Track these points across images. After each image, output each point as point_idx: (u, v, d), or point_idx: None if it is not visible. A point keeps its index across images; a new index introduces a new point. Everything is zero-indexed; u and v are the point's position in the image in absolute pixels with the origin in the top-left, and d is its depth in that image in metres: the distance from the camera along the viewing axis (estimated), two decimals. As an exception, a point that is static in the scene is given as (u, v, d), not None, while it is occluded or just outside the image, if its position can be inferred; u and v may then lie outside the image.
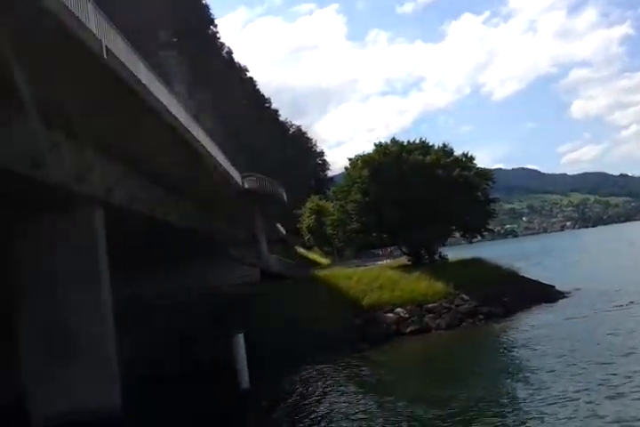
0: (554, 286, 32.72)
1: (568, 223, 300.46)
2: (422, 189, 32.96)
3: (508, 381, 15.66)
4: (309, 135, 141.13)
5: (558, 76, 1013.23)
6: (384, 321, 25.82)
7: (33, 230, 16.32)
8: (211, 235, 28.76)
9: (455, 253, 42.24)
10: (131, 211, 20.14)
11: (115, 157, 17.41)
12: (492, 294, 28.32)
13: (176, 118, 17.18)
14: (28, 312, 16.24)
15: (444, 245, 41.04)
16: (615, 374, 14.06)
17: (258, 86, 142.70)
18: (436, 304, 27.15)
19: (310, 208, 65.11)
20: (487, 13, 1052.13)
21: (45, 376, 15.77)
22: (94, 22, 11.24)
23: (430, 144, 36.50)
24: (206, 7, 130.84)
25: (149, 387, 19.59)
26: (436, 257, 37.14)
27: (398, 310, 26.49)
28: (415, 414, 13.29)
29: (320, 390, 17.87)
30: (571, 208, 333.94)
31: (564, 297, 30.79)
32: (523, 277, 33.86)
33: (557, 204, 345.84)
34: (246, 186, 29.79)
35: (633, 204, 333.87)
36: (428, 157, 34.03)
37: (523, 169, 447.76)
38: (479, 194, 35.63)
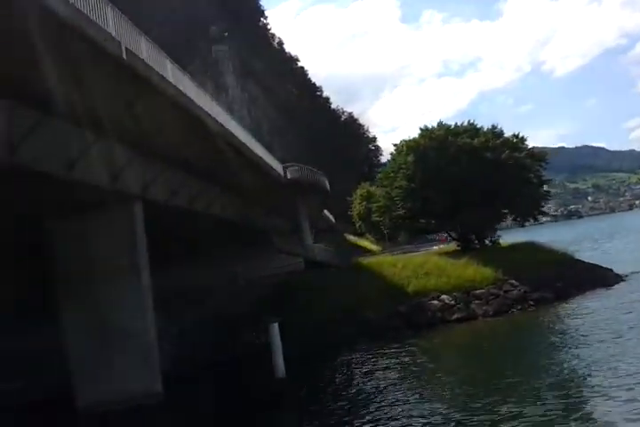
0: (612, 270, 31.30)
1: (637, 202, 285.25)
2: (470, 173, 32.11)
3: (559, 369, 14.86)
4: (361, 122, 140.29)
5: (626, 48, 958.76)
6: (429, 308, 25.49)
7: (74, 227, 17.10)
8: (254, 225, 29.14)
9: (512, 237, 41.16)
10: (170, 205, 20.69)
11: (150, 154, 17.83)
12: (544, 279, 27.44)
13: (208, 114, 17.40)
14: (71, 305, 17.09)
15: (499, 230, 39.91)
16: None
17: (309, 75, 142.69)
18: (483, 291, 26.54)
19: (361, 195, 64.82)
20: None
21: (89, 365, 16.60)
22: (113, 25, 11.49)
23: (479, 126, 35.46)
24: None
25: (192, 374, 20.27)
26: (487, 242, 36.23)
27: (444, 297, 26.06)
28: (457, 404, 12.99)
29: (359, 377, 17.92)
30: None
31: (622, 281, 29.44)
32: (578, 260, 32.64)
33: (625, 182, 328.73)
34: (289, 176, 29.94)
35: None
36: (476, 140, 33.09)
37: (587, 147, 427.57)
38: (531, 176, 34.34)
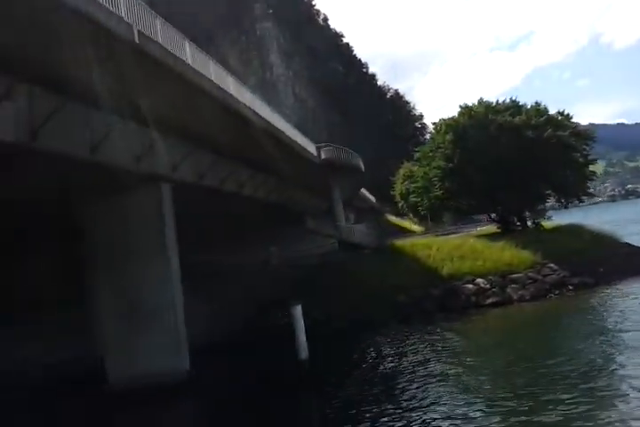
0: (661, 254, 29.78)
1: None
2: (511, 153, 31.07)
3: (592, 354, 14.25)
4: (408, 99, 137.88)
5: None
6: (462, 292, 24.97)
7: (104, 209, 17.48)
8: (288, 206, 29.16)
9: (562, 218, 39.81)
10: (201, 186, 20.87)
11: (176, 135, 17.93)
12: (585, 263, 26.39)
13: (232, 96, 17.28)
14: (101, 286, 17.59)
15: (551, 210, 38.59)
16: None
17: (354, 52, 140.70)
18: (520, 275, 25.78)
19: (403, 174, 63.83)
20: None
21: (119, 343, 17.14)
22: (124, 8, 11.43)
23: (521, 104, 34.11)
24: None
25: (220, 353, 20.64)
26: (529, 224, 35.16)
27: (479, 280, 25.47)
28: (483, 388, 12.74)
29: (384, 360, 17.76)
30: None
31: (672, 265, 27.95)
32: (626, 244, 31.22)
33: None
34: (322, 156, 29.65)
35: None
36: (518, 118, 31.84)
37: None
38: (577, 155, 32.89)
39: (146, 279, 17.48)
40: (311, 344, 20.03)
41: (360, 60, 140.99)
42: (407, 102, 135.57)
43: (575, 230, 32.84)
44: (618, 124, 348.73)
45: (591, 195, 38.17)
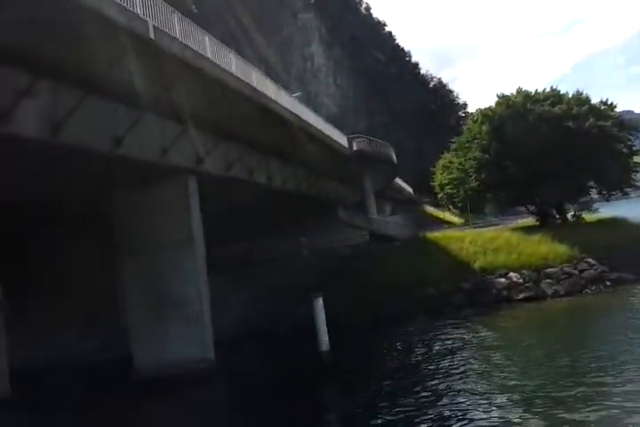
0: None
1: None
2: (550, 143, 30.08)
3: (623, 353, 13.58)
4: (452, 87, 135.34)
5: None
6: (494, 286, 24.45)
7: (133, 200, 17.90)
8: (319, 197, 29.15)
9: (607, 211, 38.45)
10: (228, 177, 21.08)
11: (202, 127, 18.10)
12: (626, 258, 25.38)
13: (252, 87, 17.33)
14: (129, 275, 18.05)
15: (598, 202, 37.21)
16: None
17: (397, 41, 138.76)
18: (556, 269, 25.04)
19: (443, 165, 62.64)
20: None
21: (145, 330, 17.57)
22: (140, 5, 11.58)
23: (562, 92, 32.92)
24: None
25: (247, 342, 20.97)
26: (569, 216, 34.10)
27: (512, 274, 24.88)
28: (507, 385, 12.35)
29: (407, 353, 17.66)
30: None
31: None
32: (673, 238, 29.85)
33: None
34: (354, 147, 29.44)
35: None
36: (557, 108, 30.76)
37: None
38: (620, 145, 31.58)
39: (172, 270, 17.83)
40: (336, 336, 20.11)
41: (403, 49, 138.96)
42: (451, 91, 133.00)
43: (618, 224, 31.65)
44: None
45: (636, 187, 36.62)
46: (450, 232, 30.95)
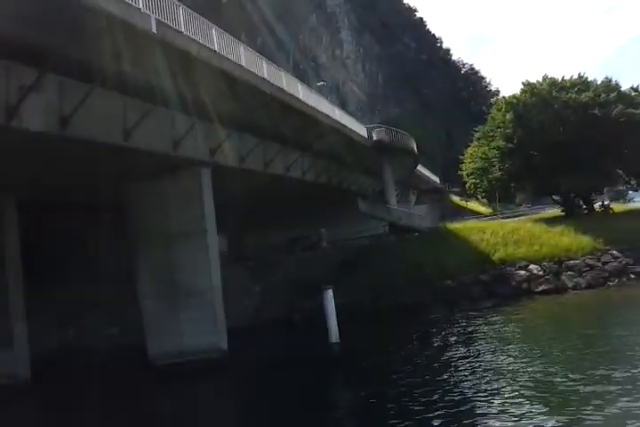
0: None
1: None
2: (576, 132, 29.31)
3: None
4: (484, 74, 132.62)
5: None
6: (513, 278, 24.09)
7: (145, 191, 18.17)
8: (339, 188, 29.09)
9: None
10: (243, 169, 21.18)
11: (215, 119, 18.15)
12: (654, 250, 24.76)
13: (260, 78, 17.29)
14: (145, 265, 18.37)
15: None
16: None
17: (428, 27, 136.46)
18: (578, 261, 24.52)
19: (471, 154, 61.63)
20: None
21: (159, 319, 17.91)
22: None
23: (590, 79, 31.92)
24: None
25: (263, 331, 21.21)
26: (597, 207, 33.24)
27: (532, 266, 24.45)
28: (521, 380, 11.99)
29: (422, 344, 17.61)
30: None
31: None
32: None
33: None
34: (374, 137, 29.19)
35: None
36: (584, 95, 29.86)
37: None
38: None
39: (185, 260, 18.08)
40: (350, 326, 20.20)
41: (434, 35, 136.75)
42: (482, 78, 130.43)
43: (649, 215, 30.72)
44: None
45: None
46: (471, 223, 30.53)
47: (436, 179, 57.29)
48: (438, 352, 15.89)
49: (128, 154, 15.47)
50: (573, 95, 29.79)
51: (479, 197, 67.25)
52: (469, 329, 18.58)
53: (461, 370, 13.33)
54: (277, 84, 18.00)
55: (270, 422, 11.58)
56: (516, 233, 27.28)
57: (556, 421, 9.37)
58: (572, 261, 24.53)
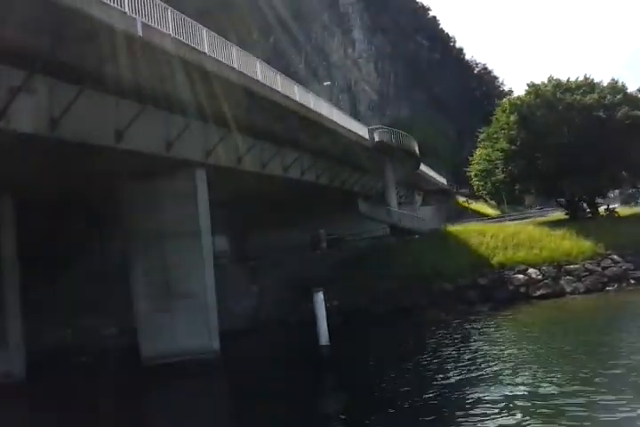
0: None
1: None
2: (580, 134, 29.03)
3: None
4: (497, 74, 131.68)
5: None
6: (511, 282, 23.97)
7: (140, 191, 18.25)
8: (339, 189, 29.05)
9: None
10: (239, 170, 21.22)
11: (209, 120, 18.20)
12: (655, 255, 24.49)
13: (254, 80, 17.32)
14: (139, 266, 18.49)
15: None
16: None
17: (441, 26, 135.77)
18: (577, 266, 24.36)
19: (480, 155, 61.22)
20: None
21: (152, 319, 18.00)
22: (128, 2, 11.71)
23: (596, 81, 31.61)
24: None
25: (259, 331, 21.28)
26: (602, 211, 32.91)
27: (531, 270, 24.30)
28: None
29: (415, 347, 17.48)
30: None
31: None
32: None
33: None
34: (376, 138, 29.10)
35: None
36: (589, 97, 29.55)
37: None
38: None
39: (179, 262, 18.11)
40: (344, 328, 20.25)
41: (447, 34, 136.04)
42: (496, 77, 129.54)
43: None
44: None
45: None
46: (473, 225, 30.36)
47: (442, 180, 56.96)
48: (424, 357, 15.74)
49: (121, 155, 15.58)
50: (578, 97, 29.51)
51: (487, 198, 67.04)
52: (459, 334, 18.46)
53: (449, 377, 13.15)
54: (272, 85, 17.99)
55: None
56: (516, 236, 27.12)
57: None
58: (571, 266, 24.37)
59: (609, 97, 29.58)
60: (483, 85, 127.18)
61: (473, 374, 12.95)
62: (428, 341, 18.21)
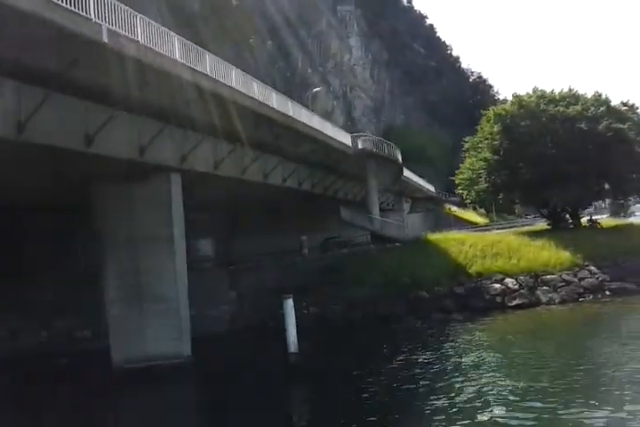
0: None
1: None
2: (563, 145, 29.24)
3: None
4: (492, 83, 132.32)
5: None
6: (488, 292, 23.99)
7: (113, 196, 18.26)
8: (322, 196, 29.13)
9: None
10: (217, 176, 21.27)
11: (184, 125, 18.32)
12: (633, 267, 24.64)
13: (233, 88, 17.42)
14: (110, 268, 18.49)
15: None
16: None
17: (438, 33, 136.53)
18: (554, 276, 24.45)
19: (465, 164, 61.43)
20: None
21: (124, 324, 17.99)
22: (93, 9, 11.77)
23: (580, 93, 31.85)
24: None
25: (236, 339, 21.30)
26: (584, 221, 33.06)
27: (508, 280, 24.36)
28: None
29: (378, 356, 17.52)
30: None
31: None
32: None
33: None
34: (359, 146, 29.23)
35: None
36: (572, 108, 29.76)
37: None
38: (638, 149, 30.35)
39: (151, 266, 18.16)
40: (317, 336, 20.23)
41: (444, 42, 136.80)
42: (491, 86, 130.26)
43: (634, 230, 30.51)
44: None
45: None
46: (453, 234, 30.43)
47: (430, 187, 57.12)
48: (392, 365, 15.83)
49: (91, 159, 15.62)
50: (561, 108, 29.71)
51: (476, 207, 67.22)
52: (430, 345, 18.43)
53: (412, 388, 13.22)
54: (248, 92, 18.07)
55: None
56: (495, 246, 27.18)
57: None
58: (548, 276, 24.47)
59: (592, 109, 29.79)
60: (478, 94, 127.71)
61: (440, 384, 13.12)
62: (401, 349, 18.22)
